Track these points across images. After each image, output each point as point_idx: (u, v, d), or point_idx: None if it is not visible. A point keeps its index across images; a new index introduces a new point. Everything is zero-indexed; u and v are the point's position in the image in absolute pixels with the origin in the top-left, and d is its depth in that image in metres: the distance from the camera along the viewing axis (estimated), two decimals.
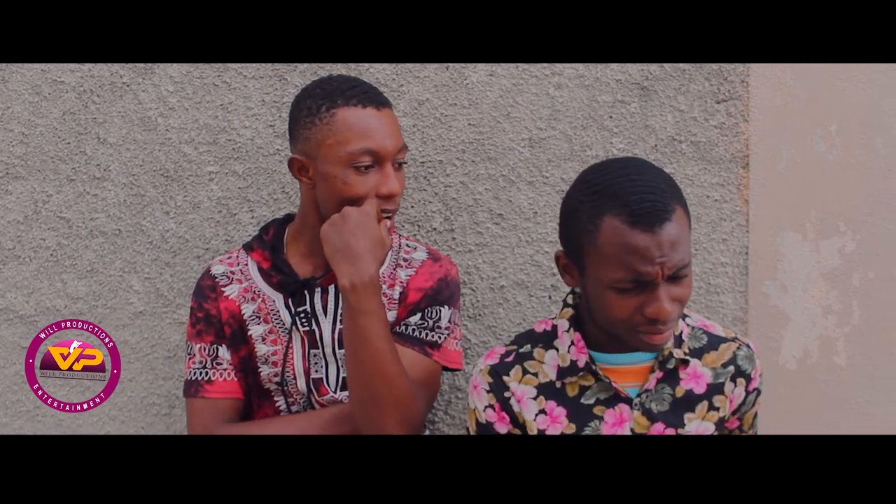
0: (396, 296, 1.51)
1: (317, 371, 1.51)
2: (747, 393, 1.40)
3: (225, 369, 1.51)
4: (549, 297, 1.78)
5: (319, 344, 1.50)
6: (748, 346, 1.41)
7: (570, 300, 1.40)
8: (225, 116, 1.80)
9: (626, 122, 1.72)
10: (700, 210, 1.72)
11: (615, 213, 1.21)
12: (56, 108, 1.85)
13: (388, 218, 1.46)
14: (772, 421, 1.65)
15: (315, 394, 1.52)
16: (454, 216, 1.78)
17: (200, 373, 1.51)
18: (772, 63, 1.67)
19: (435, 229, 1.79)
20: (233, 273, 1.55)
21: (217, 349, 1.52)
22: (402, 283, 1.52)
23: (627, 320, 1.24)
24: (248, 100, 1.80)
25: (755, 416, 1.46)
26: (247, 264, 1.56)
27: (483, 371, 1.38)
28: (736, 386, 1.38)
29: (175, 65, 1.80)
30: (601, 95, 1.72)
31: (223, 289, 1.54)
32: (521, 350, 1.40)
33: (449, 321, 1.51)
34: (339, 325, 1.49)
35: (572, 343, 1.35)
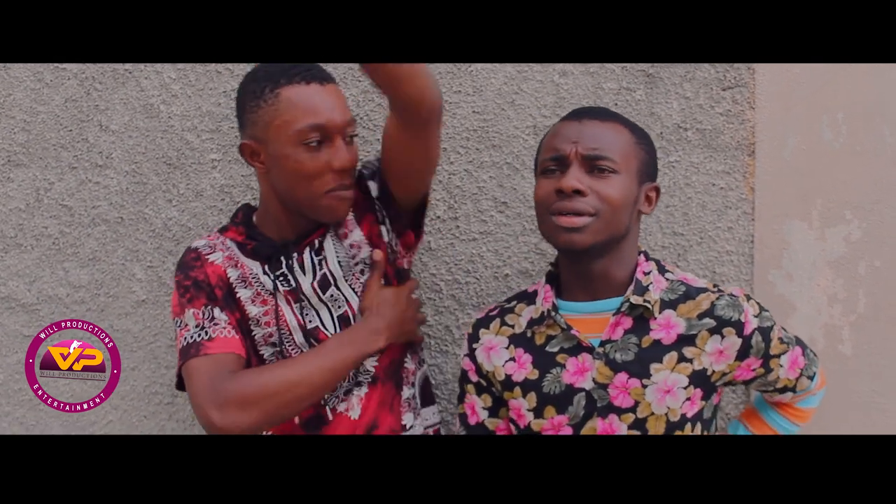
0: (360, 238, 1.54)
1: (310, 321, 1.51)
2: (745, 338, 1.38)
3: (224, 328, 1.47)
4: None
5: (304, 297, 1.51)
6: (731, 294, 1.40)
7: (552, 261, 1.53)
8: (228, 104, 1.79)
9: (631, 109, 1.71)
10: (705, 198, 1.71)
11: (561, 118, 1.45)
12: (58, 95, 1.84)
13: (347, 191, 1.46)
14: None
15: (315, 342, 1.51)
16: (458, 204, 1.78)
17: (198, 334, 1.45)
18: (776, 63, 1.66)
19: (439, 217, 1.78)
20: (214, 245, 1.55)
21: (212, 310, 1.48)
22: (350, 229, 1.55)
23: (545, 200, 1.37)
24: None
25: (781, 339, 1.43)
26: (224, 241, 1.56)
27: (470, 324, 1.54)
28: (724, 337, 1.38)
29: None
30: (606, 83, 1.72)
31: (207, 257, 1.53)
32: (507, 306, 1.53)
33: None
34: (318, 274, 1.51)
35: (544, 295, 1.45)
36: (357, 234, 1.54)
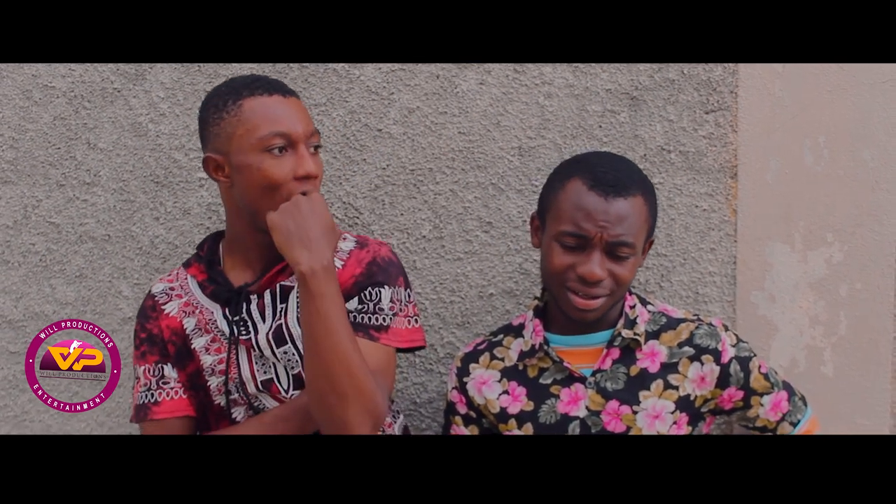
0: None
1: (265, 372, 1.48)
2: (723, 366, 1.44)
3: (172, 388, 1.50)
4: None
5: (258, 349, 1.47)
6: (710, 324, 1.47)
7: (538, 294, 1.56)
8: None
9: (615, 131, 1.73)
10: (688, 220, 1.73)
11: (581, 176, 1.40)
12: (47, 113, 1.85)
13: None
14: None
15: (268, 395, 1.49)
16: (443, 224, 1.79)
17: (146, 396, 1.50)
18: (758, 63, 1.67)
19: (424, 237, 1.79)
20: (172, 290, 1.53)
21: (162, 368, 1.50)
22: None
23: (561, 274, 1.39)
24: None
25: (766, 376, 1.47)
26: (186, 279, 1.54)
27: (457, 358, 1.58)
28: (703, 364, 1.44)
29: (166, 71, 1.80)
30: (591, 105, 1.73)
31: (163, 307, 1.52)
32: (494, 339, 1.57)
33: (391, 300, 1.45)
34: (274, 324, 1.46)
35: (533, 329, 1.50)
36: None
